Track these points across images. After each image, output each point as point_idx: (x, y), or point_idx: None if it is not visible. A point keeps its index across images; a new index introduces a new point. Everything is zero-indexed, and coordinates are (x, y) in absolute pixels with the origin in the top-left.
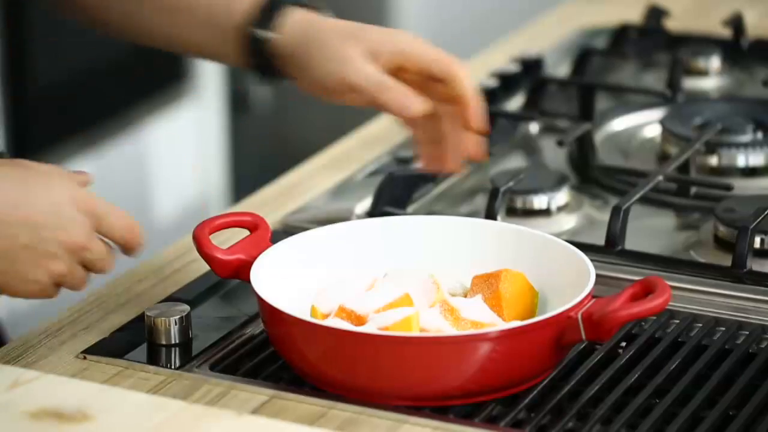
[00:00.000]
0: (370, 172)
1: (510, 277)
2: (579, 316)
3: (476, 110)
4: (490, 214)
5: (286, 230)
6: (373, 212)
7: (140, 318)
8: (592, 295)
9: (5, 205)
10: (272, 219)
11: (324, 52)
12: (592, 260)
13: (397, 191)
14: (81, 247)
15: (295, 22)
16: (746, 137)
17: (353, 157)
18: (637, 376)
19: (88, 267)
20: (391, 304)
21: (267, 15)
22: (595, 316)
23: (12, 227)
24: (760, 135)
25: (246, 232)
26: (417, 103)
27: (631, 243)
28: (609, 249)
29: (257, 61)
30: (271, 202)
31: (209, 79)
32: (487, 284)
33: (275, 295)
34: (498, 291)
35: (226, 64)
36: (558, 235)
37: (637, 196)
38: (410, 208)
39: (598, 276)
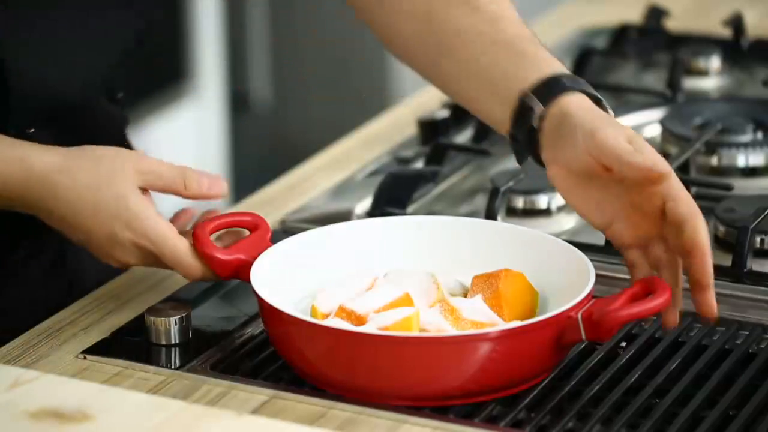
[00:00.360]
0: (370, 172)
1: (510, 277)
2: (579, 316)
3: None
4: (491, 214)
5: (286, 230)
6: (373, 212)
7: (140, 318)
8: (592, 295)
9: (69, 212)
10: (272, 219)
11: (576, 122)
12: (592, 260)
13: (397, 191)
14: (134, 264)
15: (570, 102)
16: (746, 137)
17: (353, 157)
18: (637, 376)
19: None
20: (391, 303)
21: (547, 89)
22: (594, 316)
23: (75, 231)
24: (760, 135)
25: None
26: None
27: None
28: (609, 249)
29: (519, 130)
30: (271, 202)
31: (209, 79)
32: (487, 284)
33: (275, 295)
34: (498, 291)
35: (496, 127)
36: (558, 235)
37: None
38: (410, 208)
39: (598, 276)
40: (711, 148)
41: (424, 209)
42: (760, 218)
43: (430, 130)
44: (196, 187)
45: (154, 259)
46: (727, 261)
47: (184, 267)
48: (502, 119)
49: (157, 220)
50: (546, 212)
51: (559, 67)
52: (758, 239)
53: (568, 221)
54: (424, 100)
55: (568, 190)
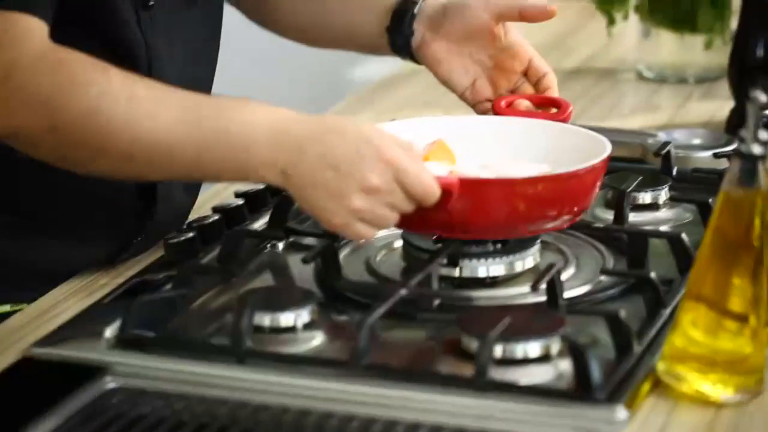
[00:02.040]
0: (119, 295)
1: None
2: None
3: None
4: (237, 332)
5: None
6: (121, 335)
7: None
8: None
9: (313, 138)
10: (17, 348)
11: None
12: (336, 377)
13: (146, 314)
14: (377, 190)
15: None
16: (486, 248)
17: (104, 284)
18: None
19: (390, 208)
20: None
21: None
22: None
23: (317, 159)
24: (499, 246)
25: None
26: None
27: (377, 357)
28: (354, 364)
29: (399, 25)
30: (20, 329)
31: None
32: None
33: None
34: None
35: (372, 43)
36: (304, 351)
37: (381, 310)
38: (161, 332)
39: (342, 393)
40: (453, 260)
41: (173, 330)
42: (501, 328)
43: (177, 252)
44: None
45: (394, 175)
46: (470, 371)
47: (425, 185)
48: (379, 32)
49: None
50: (292, 330)
51: None
52: (499, 348)
53: (315, 338)
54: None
55: (441, 61)
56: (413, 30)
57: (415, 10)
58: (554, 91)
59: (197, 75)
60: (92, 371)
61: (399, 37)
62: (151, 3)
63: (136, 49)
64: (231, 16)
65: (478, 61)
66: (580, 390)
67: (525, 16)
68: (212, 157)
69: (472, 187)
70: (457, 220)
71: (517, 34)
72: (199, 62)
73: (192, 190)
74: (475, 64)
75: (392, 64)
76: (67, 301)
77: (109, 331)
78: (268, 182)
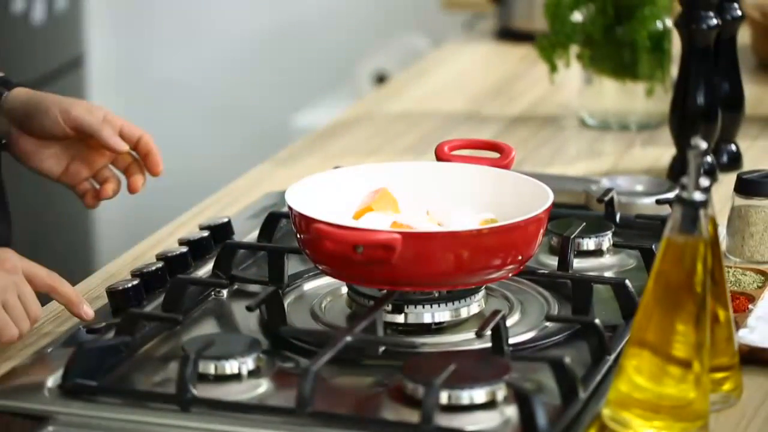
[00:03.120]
0: (61, 344)
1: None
2: None
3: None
4: (182, 380)
5: None
6: (64, 385)
7: None
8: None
9: None
10: None
11: (49, 101)
12: (282, 424)
13: (88, 363)
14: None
15: (27, 90)
16: (432, 295)
17: (48, 332)
18: None
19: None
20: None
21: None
22: None
23: None
24: (444, 292)
25: None
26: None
27: (323, 404)
28: (300, 411)
29: None
30: None
31: None
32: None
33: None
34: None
35: None
36: (249, 399)
37: (327, 357)
38: (101, 381)
39: None
40: (398, 307)
41: (117, 378)
42: (446, 374)
43: (120, 300)
44: None
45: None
46: (414, 417)
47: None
48: None
49: None
50: (237, 377)
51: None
52: (445, 395)
53: (260, 385)
54: (113, 269)
55: (32, 154)
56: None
57: (0, 103)
58: (154, 154)
59: None
60: (35, 421)
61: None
62: None
63: None
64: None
65: (69, 146)
66: None
67: (101, 138)
68: None
69: (415, 241)
70: (401, 274)
71: (97, 113)
72: None
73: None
74: (66, 150)
75: (337, 111)
76: (9, 349)
77: (52, 381)
78: None
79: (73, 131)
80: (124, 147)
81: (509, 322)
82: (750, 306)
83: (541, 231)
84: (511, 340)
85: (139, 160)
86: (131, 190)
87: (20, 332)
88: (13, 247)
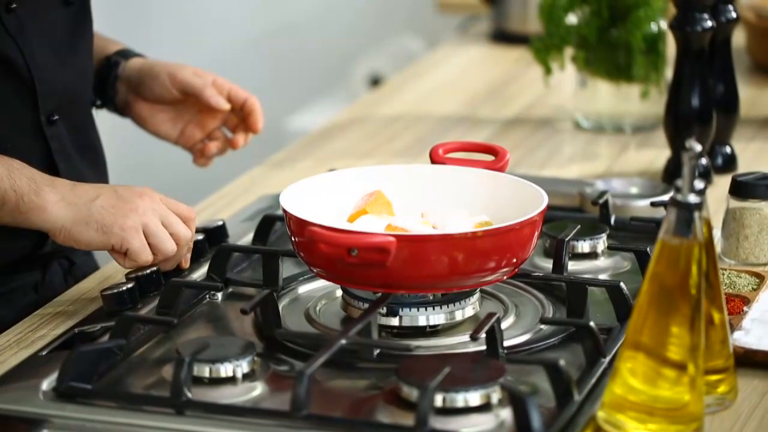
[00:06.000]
0: (56, 348)
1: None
2: None
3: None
4: (176, 383)
5: None
6: (59, 387)
7: None
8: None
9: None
10: None
11: (159, 68)
12: (277, 427)
13: (83, 366)
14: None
15: (143, 59)
16: (426, 297)
17: (41, 336)
18: None
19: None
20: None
21: (124, 52)
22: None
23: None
24: (439, 295)
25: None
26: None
27: (317, 407)
28: (294, 414)
29: (103, 85)
30: None
31: None
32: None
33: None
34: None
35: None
36: (244, 402)
37: (321, 360)
38: (96, 385)
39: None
40: (392, 310)
41: (112, 381)
42: (441, 377)
43: (115, 303)
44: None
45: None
46: (409, 420)
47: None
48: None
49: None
50: (231, 380)
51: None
52: (439, 398)
53: (255, 388)
54: (108, 272)
55: (148, 118)
56: (117, 90)
57: (119, 72)
58: (257, 113)
59: (78, 66)
60: (30, 424)
61: (103, 95)
62: (14, 6)
63: (10, 53)
64: None
65: (183, 110)
66: None
67: (203, 98)
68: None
69: (410, 243)
70: (396, 277)
71: (205, 77)
72: (75, 57)
73: None
74: (180, 114)
75: (332, 113)
76: (3, 352)
77: (47, 384)
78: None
79: (180, 93)
80: (226, 105)
81: (504, 325)
82: (745, 308)
83: (536, 233)
84: (506, 343)
85: (246, 121)
86: (232, 146)
87: (164, 254)
88: None
